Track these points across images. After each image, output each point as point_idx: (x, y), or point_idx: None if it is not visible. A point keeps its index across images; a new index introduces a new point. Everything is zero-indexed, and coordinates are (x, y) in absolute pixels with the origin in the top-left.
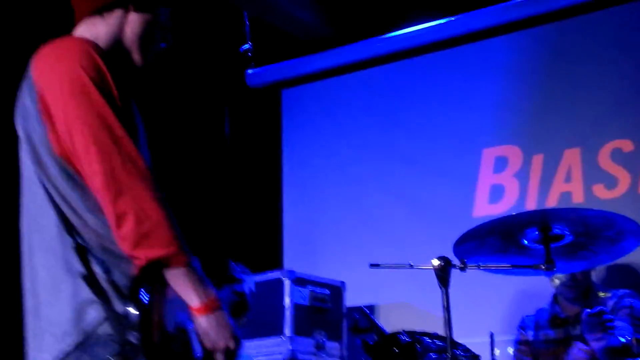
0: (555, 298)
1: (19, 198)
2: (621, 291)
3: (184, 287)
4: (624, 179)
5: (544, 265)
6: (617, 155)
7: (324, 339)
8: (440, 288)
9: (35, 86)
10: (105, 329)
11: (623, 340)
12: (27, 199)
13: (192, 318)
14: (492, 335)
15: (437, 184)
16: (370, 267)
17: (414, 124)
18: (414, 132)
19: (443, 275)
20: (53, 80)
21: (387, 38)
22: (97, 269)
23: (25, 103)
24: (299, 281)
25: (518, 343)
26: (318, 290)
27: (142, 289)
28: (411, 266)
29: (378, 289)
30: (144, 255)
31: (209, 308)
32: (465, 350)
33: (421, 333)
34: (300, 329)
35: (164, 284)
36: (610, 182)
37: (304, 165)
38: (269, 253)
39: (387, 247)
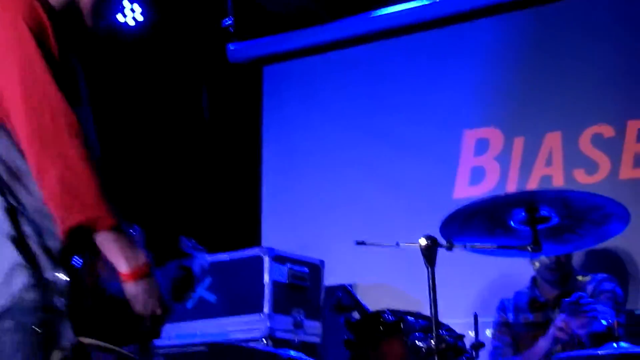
0: (534, 281)
1: None
2: (600, 275)
3: (112, 252)
4: (604, 165)
5: (530, 247)
6: (598, 140)
7: (302, 317)
8: (427, 267)
9: None
10: (32, 295)
11: (605, 323)
12: None
13: (121, 283)
14: (475, 316)
15: (418, 164)
16: (356, 244)
17: (396, 104)
18: (396, 112)
19: (429, 254)
20: None
21: (372, 17)
22: (28, 232)
23: None
24: (278, 259)
25: (498, 324)
26: (297, 268)
27: (74, 254)
28: (398, 244)
29: (358, 268)
30: (66, 217)
31: (137, 274)
32: (449, 330)
33: (405, 312)
34: (279, 307)
35: (90, 248)
36: (591, 167)
37: (284, 142)
38: (248, 230)
39: (368, 226)
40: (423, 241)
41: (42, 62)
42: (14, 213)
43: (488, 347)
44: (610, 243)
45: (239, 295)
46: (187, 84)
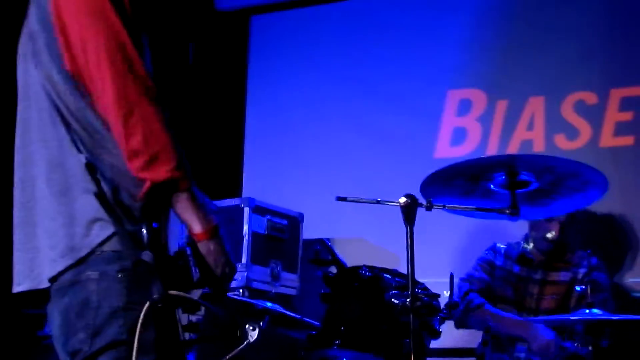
0: (527, 239)
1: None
2: (593, 260)
3: (188, 212)
4: (585, 131)
5: (508, 210)
6: (581, 107)
7: (279, 269)
8: (405, 226)
9: (50, 4)
10: (113, 245)
11: (578, 289)
12: (30, 113)
13: (194, 242)
14: (451, 276)
15: (402, 121)
16: (337, 199)
17: (382, 60)
18: (382, 67)
19: (409, 213)
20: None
21: None
22: (105, 188)
23: (33, 26)
24: (258, 210)
25: (483, 260)
26: (276, 220)
27: (152, 211)
28: (378, 201)
29: (337, 223)
30: (150, 176)
31: (209, 234)
32: (425, 289)
33: (382, 269)
34: (257, 258)
35: (168, 208)
36: (572, 133)
37: (268, 94)
38: (230, 181)
39: (348, 182)
40: (403, 199)
41: (124, 28)
42: (94, 170)
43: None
44: (589, 210)
45: None
46: (173, 31)
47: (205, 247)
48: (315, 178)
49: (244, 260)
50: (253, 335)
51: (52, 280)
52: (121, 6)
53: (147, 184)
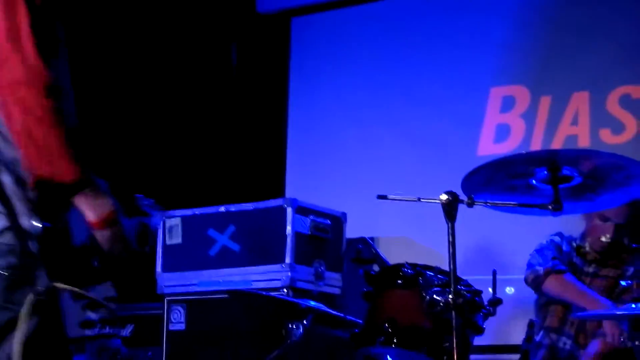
0: (583, 237)
1: None
2: None
3: (82, 203)
4: (631, 125)
5: (551, 206)
6: (626, 101)
7: (323, 269)
8: (447, 223)
9: None
10: (7, 238)
11: (624, 284)
12: None
13: (92, 231)
14: (494, 273)
15: (444, 121)
16: (377, 198)
17: (423, 60)
18: (423, 68)
19: (450, 210)
20: None
21: None
22: (6, 180)
23: None
24: (301, 210)
25: (552, 243)
26: (319, 219)
27: (48, 203)
28: (419, 199)
29: (379, 222)
30: (35, 169)
31: (104, 222)
32: (467, 285)
33: (423, 266)
34: (300, 258)
35: (62, 198)
36: (617, 127)
37: (310, 95)
38: (273, 181)
39: (390, 181)
40: (444, 196)
41: (27, 19)
42: None
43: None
44: None
45: (261, 245)
46: (216, 33)
47: (100, 235)
48: (357, 177)
49: (287, 260)
50: (297, 334)
51: None
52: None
53: (32, 177)
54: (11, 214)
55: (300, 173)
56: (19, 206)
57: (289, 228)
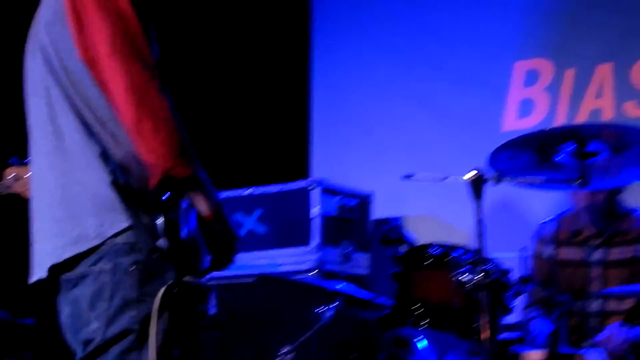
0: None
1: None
2: None
3: (195, 196)
4: None
5: (578, 181)
6: None
7: (351, 250)
8: (474, 201)
9: None
10: (127, 237)
11: None
12: (40, 107)
13: (203, 224)
14: (523, 250)
15: (467, 96)
16: (402, 178)
17: (446, 36)
18: (446, 43)
19: (477, 187)
20: None
21: None
22: (120, 178)
23: (46, 15)
24: (328, 191)
25: (535, 258)
26: (346, 200)
27: (165, 200)
28: (444, 178)
29: (406, 201)
30: (162, 164)
31: (216, 215)
32: (495, 264)
33: (451, 246)
34: (328, 239)
35: (179, 194)
36: None
37: (333, 74)
38: (298, 163)
39: (415, 158)
40: (469, 175)
41: (135, 20)
42: (107, 160)
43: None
44: None
45: (288, 227)
46: (238, 11)
47: (214, 227)
48: (382, 157)
49: (314, 242)
50: (326, 317)
51: (59, 269)
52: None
53: (159, 174)
54: (132, 212)
55: (325, 153)
56: (137, 203)
57: (315, 209)
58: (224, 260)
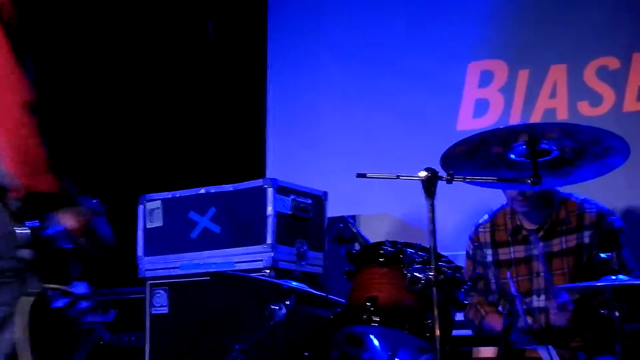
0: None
1: None
2: (602, 207)
3: (63, 210)
4: (609, 97)
5: (530, 179)
6: (603, 73)
7: (305, 248)
8: (426, 199)
9: None
10: None
11: (604, 256)
12: None
13: (70, 237)
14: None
15: (422, 96)
16: (356, 176)
17: (400, 36)
18: (401, 43)
19: (429, 186)
20: None
21: None
22: None
23: None
24: (282, 190)
25: (469, 260)
26: (300, 199)
27: (31, 212)
28: (398, 177)
29: (360, 200)
30: (23, 182)
31: (82, 230)
32: (448, 262)
33: (404, 244)
34: (282, 238)
35: (45, 207)
36: (595, 99)
37: (289, 73)
38: (252, 162)
39: (370, 158)
40: (423, 173)
41: (8, 46)
42: None
43: None
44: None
45: (243, 226)
46: (192, 11)
47: (79, 240)
48: (337, 156)
49: (269, 240)
50: (280, 314)
51: None
52: (9, 28)
53: (22, 189)
54: None
55: (280, 152)
56: (3, 215)
57: (270, 208)
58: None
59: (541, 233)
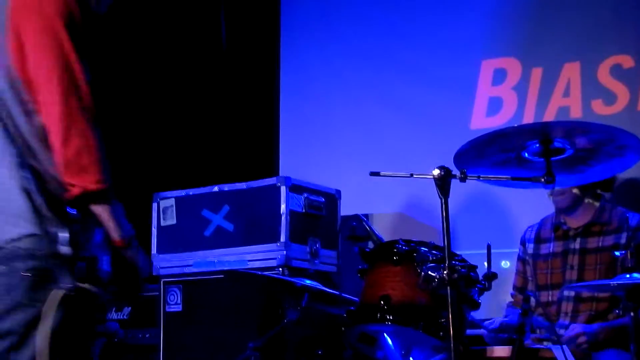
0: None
1: None
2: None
3: (107, 221)
4: (623, 95)
5: (543, 178)
6: (617, 71)
7: (318, 247)
8: (440, 198)
9: (7, 5)
10: (28, 243)
11: (617, 254)
12: None
13: (113, 249)
14: (489, 247)
15: (436, 94)
16: (370, 175)
17: (414, 34)
18: (415, 42)
19: (443, 185)
20: (32, 13)
21: None
22: (34, 188)
23: None
24: (295, 188)
25: (518, 260)
26: (313, 197)
27: (73, 214)
28: (411, 175)
29: (373, 198)
30: (79, 183)
31: (125, 243)
32: (462, 260)
33: (418, 242)
34: (295, 236)
35: (88, 215)
36: (609, 97)
37: (301, 73)
38: (266, 160)
39: (384, 156)
40: (436, 172)
41: (75, 53)
42: (23, 168)
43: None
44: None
45: (256, 224)
46: (205, 8)
47: (123, 253)
48: (351, 154)
49: (282, 239)
50: (293, 313)
51: None
52: (75, 32)
53: (76, 190)
54: (39, 222)
55: (293, 151)
56: (48, 216)
57: (283, 207)
58: (129, 286)
59: (580, 229)
